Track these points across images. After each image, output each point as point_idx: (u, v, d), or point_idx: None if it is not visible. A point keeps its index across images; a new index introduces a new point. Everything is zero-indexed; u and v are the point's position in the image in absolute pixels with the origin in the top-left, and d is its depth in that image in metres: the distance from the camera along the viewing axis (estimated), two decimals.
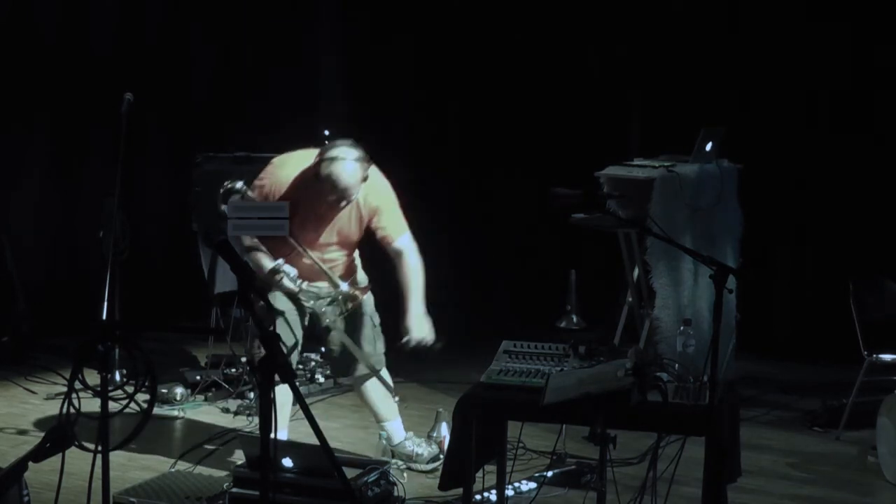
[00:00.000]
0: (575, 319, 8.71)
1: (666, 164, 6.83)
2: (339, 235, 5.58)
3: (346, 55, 9.65)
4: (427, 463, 5.81)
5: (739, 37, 8.43)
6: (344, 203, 5.43)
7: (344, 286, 5.57)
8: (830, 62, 8.11)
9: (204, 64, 9.25)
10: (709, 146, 6.96)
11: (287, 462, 4.91)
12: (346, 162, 5.33)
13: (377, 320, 5.83)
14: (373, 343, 5.76)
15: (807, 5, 8.20)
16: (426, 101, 9.40)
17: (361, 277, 5.82)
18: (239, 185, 5.53)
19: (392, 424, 5.89)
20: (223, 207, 5.47)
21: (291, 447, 5.01)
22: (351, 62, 9.63)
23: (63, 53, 8.43)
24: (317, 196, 5.40)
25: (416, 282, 5.59)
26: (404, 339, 5.49)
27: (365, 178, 5.43)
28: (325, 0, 9.65)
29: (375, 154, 9.31)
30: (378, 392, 5.88)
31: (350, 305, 5.59)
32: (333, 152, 5.34)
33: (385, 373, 5.93)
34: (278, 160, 5.69)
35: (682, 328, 5.02)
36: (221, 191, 5.52)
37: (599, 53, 8.92)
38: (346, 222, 5.56)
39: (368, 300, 5.78)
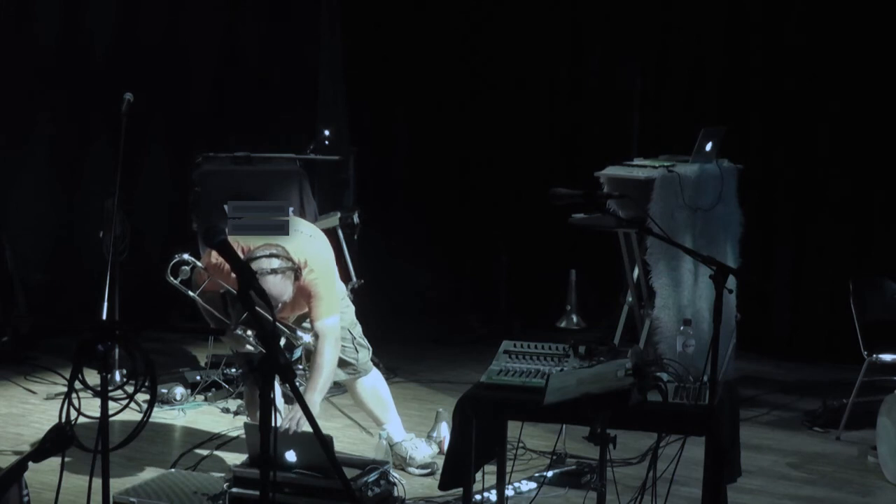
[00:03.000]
0: (575, 319, 8.71)
1: (666, 164, 6.83)
2: (289, 308, 5.49)
3: (346, 56, 9.65)
4: (418, 467, 5.79)
5: (739, 37, 8.43)
6: (280, 305, 5.30)
7: (305, 337, 5.46)
8: (830, 62, 8.11)
9: (204, 64, 9.25)
10: (709, 146, 6.96)
11: (290, 456, 4.91)
12: (265, 278, 5.09)
13: (358, 331, 5.81)
14: (354, 354, 5.75)
15: (807, 6, 8.20)
16: (426, 101, 9.40)
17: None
18: (186, 256, 5.43)
19: (390, 426, 5.89)
20: (172, 280, 5.36)
21: (295, 438, 5.00)
22: (351, 62, 9.63)
23: (63, 53, 8.43)
24: None
25: (323, 370, 5.40)
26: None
27: (297, 277, 5.24)
28: (325, 0, 9.65)
29: (376, 154, 9.40)
30: (370, 396, 5.88)
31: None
32: (253, 266, 5.05)
33: (378, 374, 5.94)
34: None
35: (682, 328, 5.02)
36: (171, 263, 5.42)
37: (600, 53, 8.93)
38: (292, 300, 5.40)
39: (347, 312, 5.75)
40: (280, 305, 5.26)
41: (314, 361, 5.43)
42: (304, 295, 5.39)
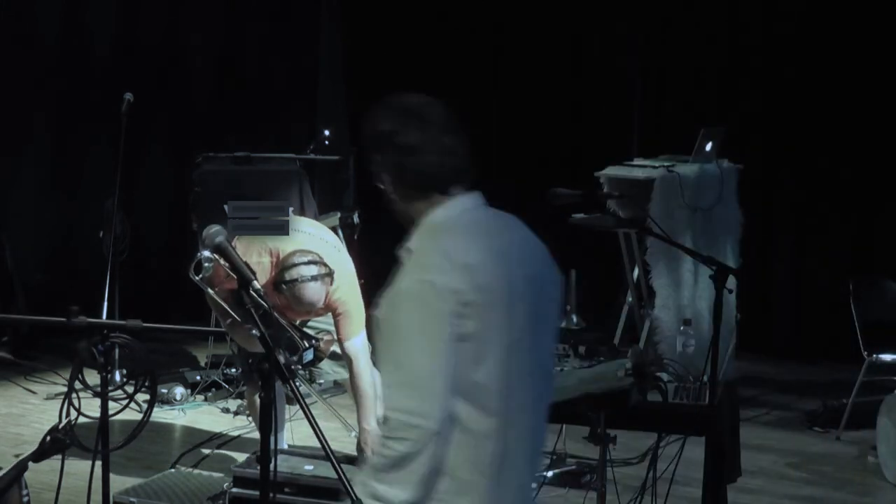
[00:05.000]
0: (575, 319, 8.69)
1: (666, 164, 6.83)
2: (299, 312, 5.51)
3: (346, 55, 9.65)
4: None
5: (739, 36, 8.43)
6: (312, 314, 5.31)
7: (308, 354, 5.47)
8: (831, 62, 8.11)
9: (204, 64, 9.25)
10: (709, 146, 6.96)
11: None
12: (307, 285, 5.09)
13: None
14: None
15: (807, 5, 8.20)
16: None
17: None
18: (207, 253, 5.40)
19: None
20: (195, 276, 5.38)
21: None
22: (351, 62, 9.62)
23: (63, 53, 8.43)
24: (281, 299, 5.19)
25: (368, 394, 5.43)
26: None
27: (331, 283, 5.21)
28: (325, 0, 9.65)
29: None
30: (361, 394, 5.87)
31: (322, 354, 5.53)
32: (292, 273, 5.08)
33: (376, 372, 5.94)
34: (241, 243, 5.41)
35: (682, 328, 5.02)
36: (195, 261, 5.41)
37: (600, 53, 8.93)
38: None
39: None
40: (312, 312, 5.25)
41: (356, 386, 5.42)
42: (326, 309, 5.37)
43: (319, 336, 5.43)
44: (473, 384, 2.62)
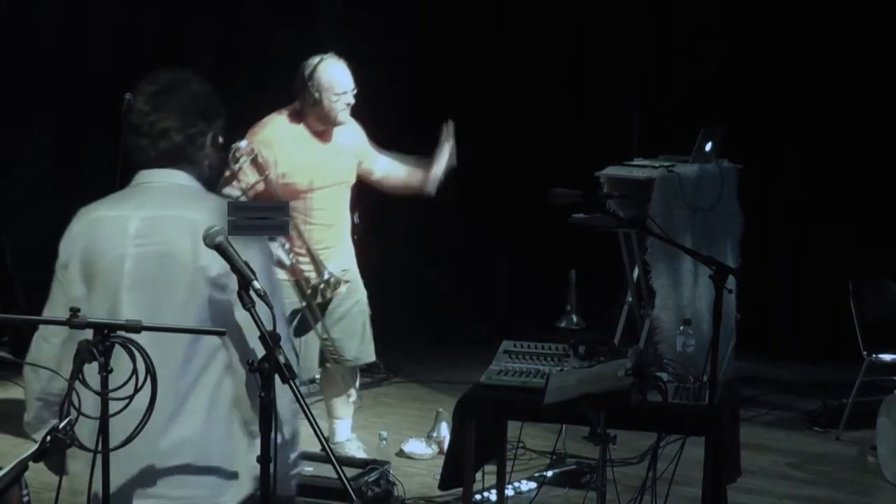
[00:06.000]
0: (575, 319, 8.68)
1: (666, 164, 6.83)
2: (333, 204, 5.68)
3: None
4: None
5: (739, 37, 8.43)
6: (346, 106, 5.50)
7: (327, 273, 5.52)
8: (830, 62, 8.12)
9: (204, 64, 9.24)
10: (709, 146, 6.96)
11: None
12: (338, 66, 5.77)
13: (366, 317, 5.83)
14: (360, 337, 5.75)
15: (807, 5, 8.20)
16: (426, 100, 9.39)
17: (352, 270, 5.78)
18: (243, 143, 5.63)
19: (339, 423, 5.86)
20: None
21: None
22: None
23: (63, 55, 8.43)
24: (315, 122, 5.70)
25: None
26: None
27: None
28: (325, 0, 9.65)
29: None
30: (333, 386, 5.86)
31: (332, 294, 5.57)
32: (316, 58, 5.75)
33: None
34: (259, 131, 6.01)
35: (682, 328, 5.02)
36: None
37: (600, 52, 8.93)
38: (340, 159, 5.81)
39: (361, 295, 5.78)
40: (346, 107, 5.84)
41: (404, 171, 6.25)
42: (355, 146, 6.05)
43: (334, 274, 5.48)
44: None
